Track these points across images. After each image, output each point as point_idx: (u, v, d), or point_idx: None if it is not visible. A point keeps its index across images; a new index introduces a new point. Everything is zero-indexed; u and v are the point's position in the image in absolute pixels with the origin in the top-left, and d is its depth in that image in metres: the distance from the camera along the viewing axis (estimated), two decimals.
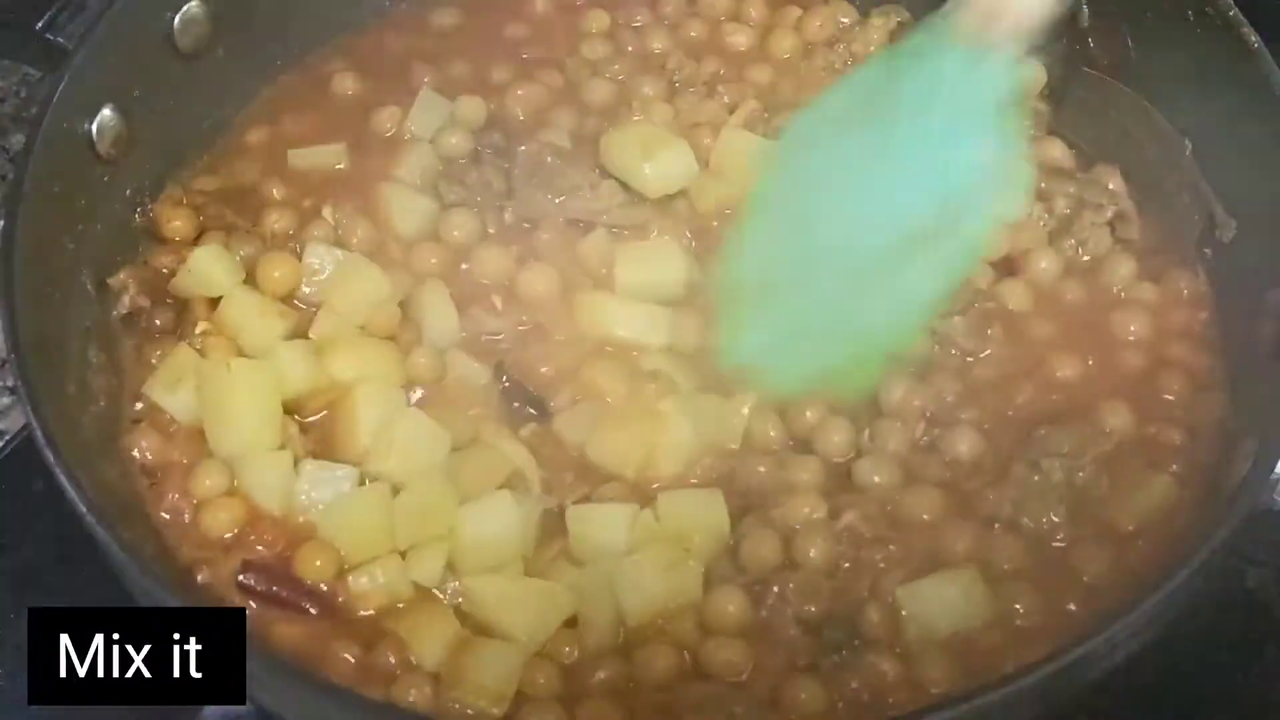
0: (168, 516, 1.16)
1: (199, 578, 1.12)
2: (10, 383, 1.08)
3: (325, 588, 1.11)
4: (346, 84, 1.44)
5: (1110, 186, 1.31)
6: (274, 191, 1.34)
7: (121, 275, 1.24)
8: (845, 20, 1.48)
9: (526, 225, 1.31)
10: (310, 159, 1.37)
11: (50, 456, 1.02)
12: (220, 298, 1.24)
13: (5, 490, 1.31)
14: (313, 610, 1.10)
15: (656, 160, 1.31)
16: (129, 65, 1.24)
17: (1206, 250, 1.25)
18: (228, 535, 1.14)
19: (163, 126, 1.30)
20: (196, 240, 1.29)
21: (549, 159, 1.32)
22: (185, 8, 1.28)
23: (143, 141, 1.27)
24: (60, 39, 1.23)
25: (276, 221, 1.30)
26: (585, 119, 1.41)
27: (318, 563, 1.12)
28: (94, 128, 1.21)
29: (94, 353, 1.20)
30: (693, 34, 1.49)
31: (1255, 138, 1.19)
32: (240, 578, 1.11)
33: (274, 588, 1.11)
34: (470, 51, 1.47)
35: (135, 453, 1.18)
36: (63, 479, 1.01)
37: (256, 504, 1.15)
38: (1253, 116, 1.19)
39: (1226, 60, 1.20)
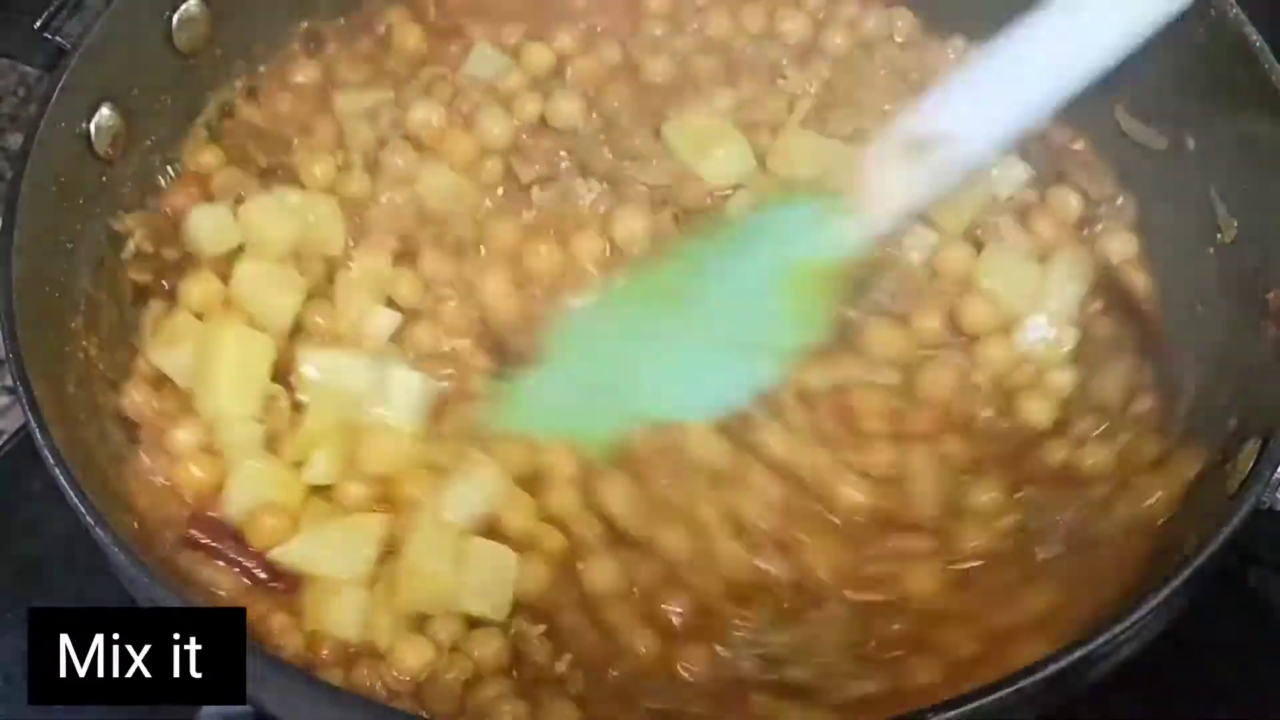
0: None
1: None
2: (9, 382, 1.08)
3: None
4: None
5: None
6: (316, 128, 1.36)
7: (129, 220, 1.24)
8: (900, 24, 1.46)
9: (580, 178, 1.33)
10: (357, 102, 1.37)
11: (49, 457, 1.02)
12: (225, 254, 1.25)
13: (5, 490, 1.31)
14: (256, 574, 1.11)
15: (713, 157, 1.32)
16: (127, 64, 1.24)
17: (1209, 250, 1.25)
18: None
19: (161, 125, 1.29)
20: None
21: (623, 121, 1.34)
22: (183, 7, 1.28)
23: (141, 140, 1.26)
24: (58, 38, 1.23)
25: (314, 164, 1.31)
26: (648, 96, 1.40)
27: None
28: (92, 127, 1.20)
29: (94, 351, 1.19)
30: (750, 20, 1.46)
31: (1256, 137, 1.19)
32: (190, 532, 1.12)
33: (217, 544, 1.11)
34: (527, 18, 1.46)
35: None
36: (62, 479, 1.01)
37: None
38: (1254, 116, 1.18)
39: (1227, 60, 1.20)
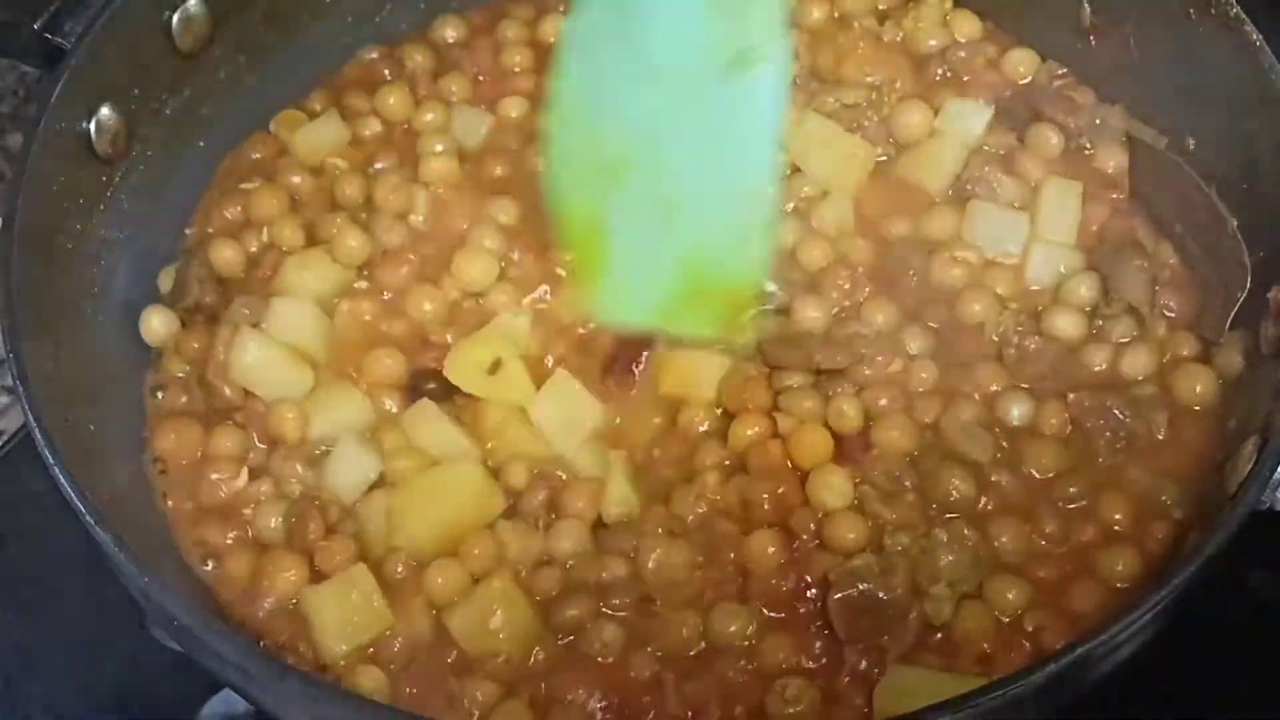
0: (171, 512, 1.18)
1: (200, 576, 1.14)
2: (9, 382, 1.08)
3: None
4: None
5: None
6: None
7: (174, 269, 1.28)
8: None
9: None
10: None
11: (49, 456, 1.02)
12: None
13: (5, 490, 1.31)
14: None
15: None
16: (127, 64, 1.24)
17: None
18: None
19: (161, 125, 1.30)
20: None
21: None
22: (184, 6, 1.28)
23: (141, 141, 1.27)
24: (59, 38, 1.23)
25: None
26: None
27: None
28: (92, 127, 1.20)
29: (94, 352, 1.19)
30: None
31: (1256, 137, 1.19)
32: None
33: None
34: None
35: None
36: (61, 479, 1.01)
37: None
38: (1254, 116, 1.18)
39: (1228, 58, 1.20)
